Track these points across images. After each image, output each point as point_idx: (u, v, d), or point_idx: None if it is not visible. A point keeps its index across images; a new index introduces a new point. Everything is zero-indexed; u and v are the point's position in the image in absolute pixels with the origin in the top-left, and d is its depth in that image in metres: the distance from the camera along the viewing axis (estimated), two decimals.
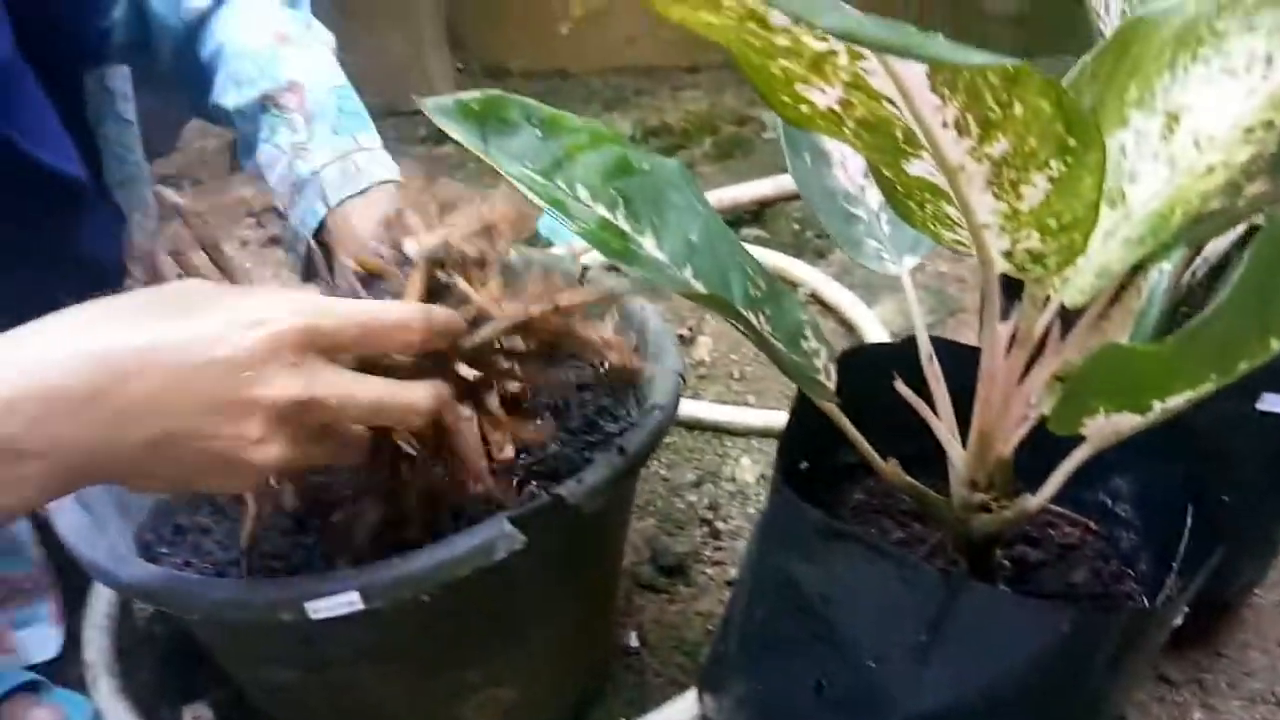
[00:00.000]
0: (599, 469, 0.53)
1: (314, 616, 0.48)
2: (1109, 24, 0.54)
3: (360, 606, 0.48)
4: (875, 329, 1.02)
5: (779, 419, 0.93)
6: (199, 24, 0.73)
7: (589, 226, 0.40)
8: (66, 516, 0.54)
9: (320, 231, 0.69)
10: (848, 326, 1.06)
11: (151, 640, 0.77)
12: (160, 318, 0.37)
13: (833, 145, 0.50)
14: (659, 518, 0.85)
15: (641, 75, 1.70)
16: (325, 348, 0.40)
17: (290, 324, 0.38)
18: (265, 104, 0.71)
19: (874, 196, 0.50)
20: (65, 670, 0.73)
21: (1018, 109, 0.30)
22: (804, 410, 0.53)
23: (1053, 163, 0.31)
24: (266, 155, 0.71)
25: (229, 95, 0.72)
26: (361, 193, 0.68)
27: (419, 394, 0.43)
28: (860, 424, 0.49)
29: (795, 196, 1.26)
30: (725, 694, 0.59)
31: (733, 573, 0.79)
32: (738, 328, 0.45)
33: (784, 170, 1.40)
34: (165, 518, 0.64)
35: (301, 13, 0.77)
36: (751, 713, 0.54)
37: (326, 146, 0.70)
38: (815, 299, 1.11)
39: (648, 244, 0.43)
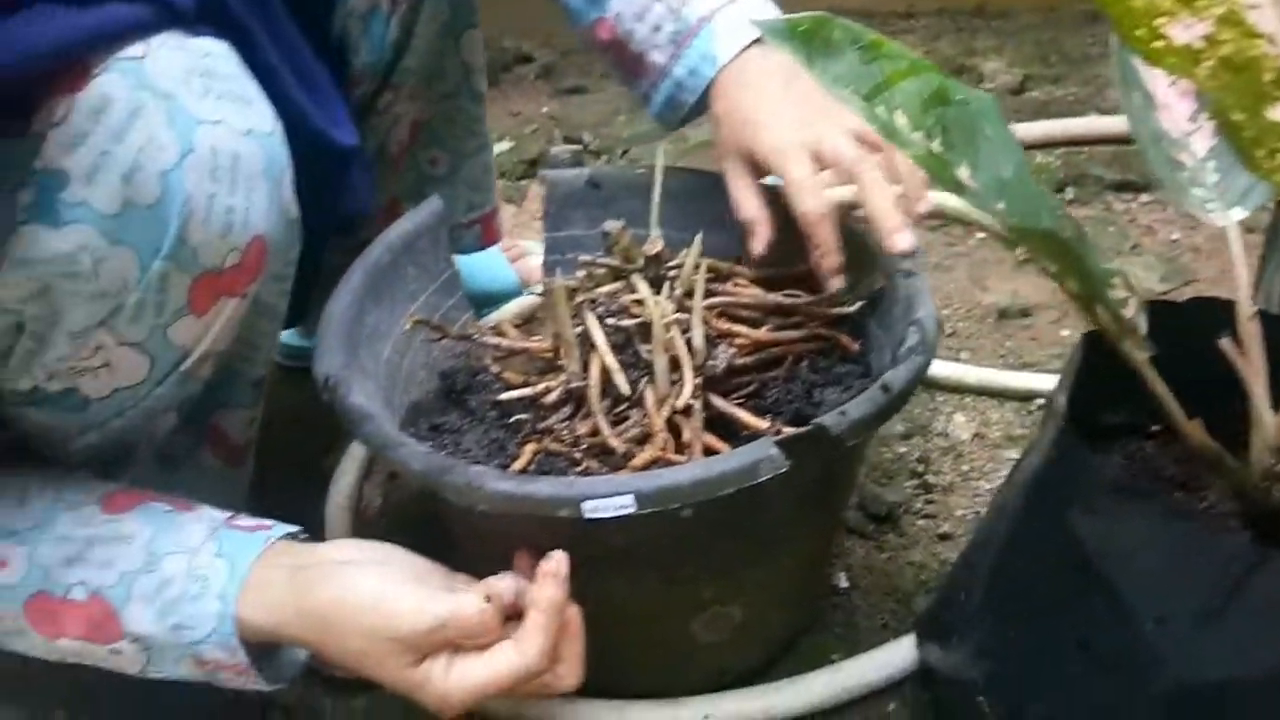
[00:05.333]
0: (863, 404, 0.53)
1: (588, 515, 0.50)
2: None
3: (632, 510, 0.50)
4: None
5: (995, 377, 0.90)
6: None
7: (919, 153, 0.40)
8: (353, 399, 0.59)
9: (712, 83, 0.67)
10: None
11: (381, 525, 0.83)
12: (385, 581, 0.51)
13: (1157, 88, 0.47)
14: (867, 466, 0.84)
15: (855, 18, 1.64)
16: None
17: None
18: None
19: (1200, 143, 0.47)
20: None
21: None
22: (1082, 366, 0.51)
23: None
24: (633, 4, 0.68)
25: None
26: (756, 41, 0.66)
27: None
28: (1138, 384, 0.47)
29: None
30: (958, 644, 0.58)
31: (945, 527, 0.78)
32: (1048, 270, 0.44)
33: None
34: (424, 417, 0.68)
35: None
36: (993, 664, 0.54)
37: None
38: None
39: (963, 175, 0.43)
